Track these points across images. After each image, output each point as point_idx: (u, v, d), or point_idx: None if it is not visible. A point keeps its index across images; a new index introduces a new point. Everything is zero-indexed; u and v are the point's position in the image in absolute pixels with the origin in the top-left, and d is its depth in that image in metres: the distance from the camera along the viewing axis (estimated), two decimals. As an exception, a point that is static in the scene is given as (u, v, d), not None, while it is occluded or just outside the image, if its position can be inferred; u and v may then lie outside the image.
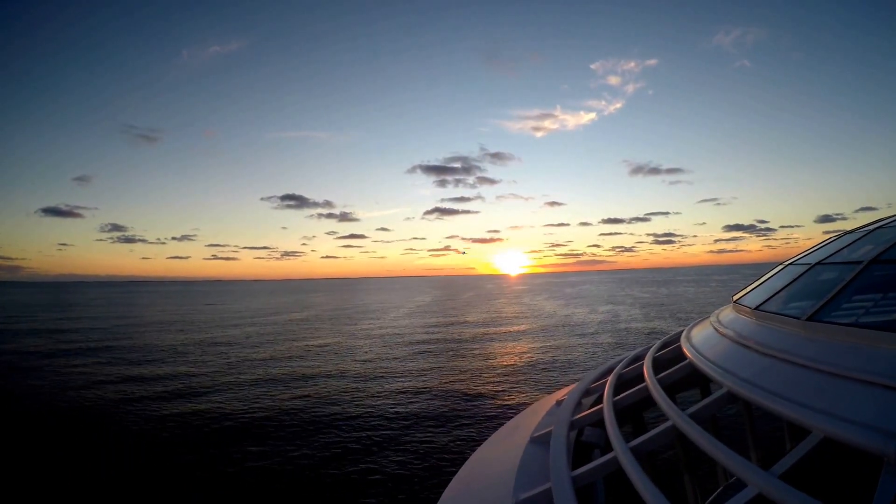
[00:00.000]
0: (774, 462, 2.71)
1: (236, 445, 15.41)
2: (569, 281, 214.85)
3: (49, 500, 12.20)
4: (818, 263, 5.02)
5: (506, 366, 26.60)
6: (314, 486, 12.59)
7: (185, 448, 15.40)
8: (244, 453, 14.69)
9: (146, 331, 48.70)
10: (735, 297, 6.10)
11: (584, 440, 4.81)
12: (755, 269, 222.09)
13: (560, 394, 6.88)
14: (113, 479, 13.14)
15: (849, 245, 5.00)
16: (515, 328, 44.31)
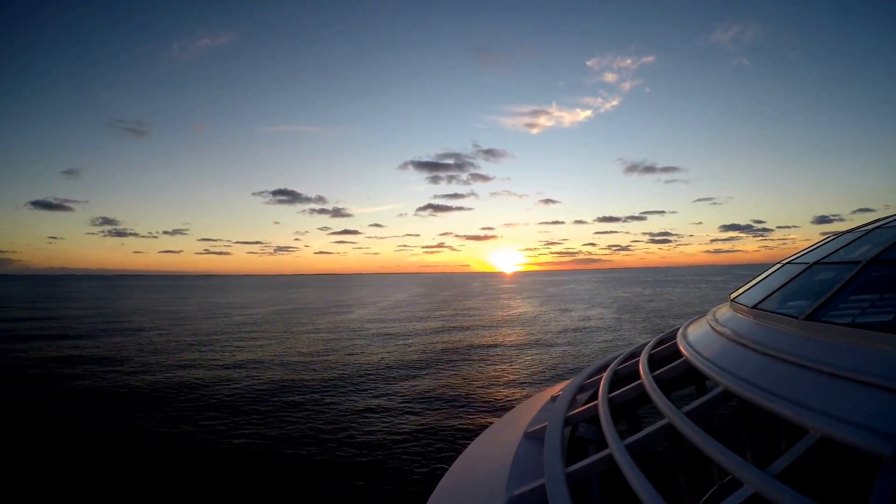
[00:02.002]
0: (771, 462, 2.67)
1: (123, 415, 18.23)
2: (558, 280, 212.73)
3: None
4: (816, 263, 5.00)
5: (428, 370, 23.08)
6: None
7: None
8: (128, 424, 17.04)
9: (104, 325, 49.02)
10: (732, 296, 6.06)
11: (579, 436, 4.69)
12: (750, 270, 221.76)
13: (555, 389, 6.80)
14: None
15: (847, 245, 4.97)
16: (469, 329, 41.54)
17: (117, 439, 15.48)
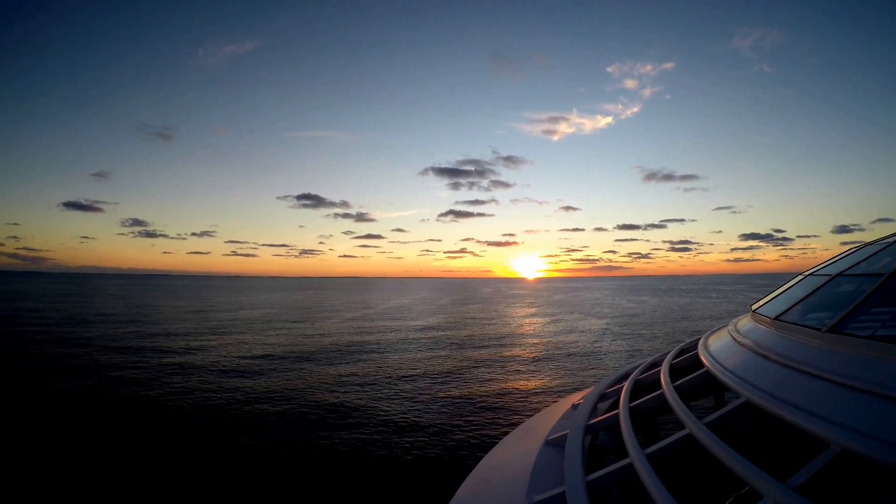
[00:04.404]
0: (790, 475, 2.67)
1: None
2: (572, 287, 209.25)
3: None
4: (839, 274, 4.93)
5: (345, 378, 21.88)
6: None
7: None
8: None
9: (94, 317, 52.96)
10: (754, 307, 6.02)
11: (599, 445, 4.73)
12: (768, 280, 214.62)
13: (576, 397, 6.81)
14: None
15: (870, 257, 4.94)
16: (442, 333, 39.55)
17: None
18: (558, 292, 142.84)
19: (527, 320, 56.54)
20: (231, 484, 12.18)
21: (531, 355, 31.76)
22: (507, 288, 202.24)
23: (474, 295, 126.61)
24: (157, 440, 15.01)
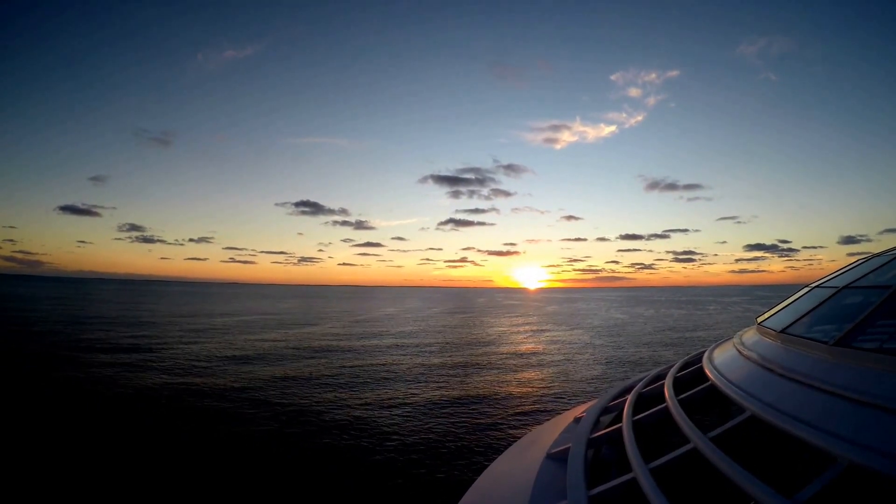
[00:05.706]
0: (797, 490, 2.65)
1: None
2: (571, 297, 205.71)
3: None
4: (845, 287, 4.89)
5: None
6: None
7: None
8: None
9: (84, 323, 53.22)
10: (759, 319, 5.95)
11: (602, 458, 4.68)
12: (773, 291, 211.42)
13: (578, 410, 6.69)
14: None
15: (877, 269, 4.88)
16: (410, 344, 36.41)
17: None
18: (554, 303, 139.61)
19: (509, 333, 53.44)
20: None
21: (498, 367, 28.64)
22: (502, 298, 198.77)
23: (465, 305, 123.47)
24: (133, 439, 15.40)
